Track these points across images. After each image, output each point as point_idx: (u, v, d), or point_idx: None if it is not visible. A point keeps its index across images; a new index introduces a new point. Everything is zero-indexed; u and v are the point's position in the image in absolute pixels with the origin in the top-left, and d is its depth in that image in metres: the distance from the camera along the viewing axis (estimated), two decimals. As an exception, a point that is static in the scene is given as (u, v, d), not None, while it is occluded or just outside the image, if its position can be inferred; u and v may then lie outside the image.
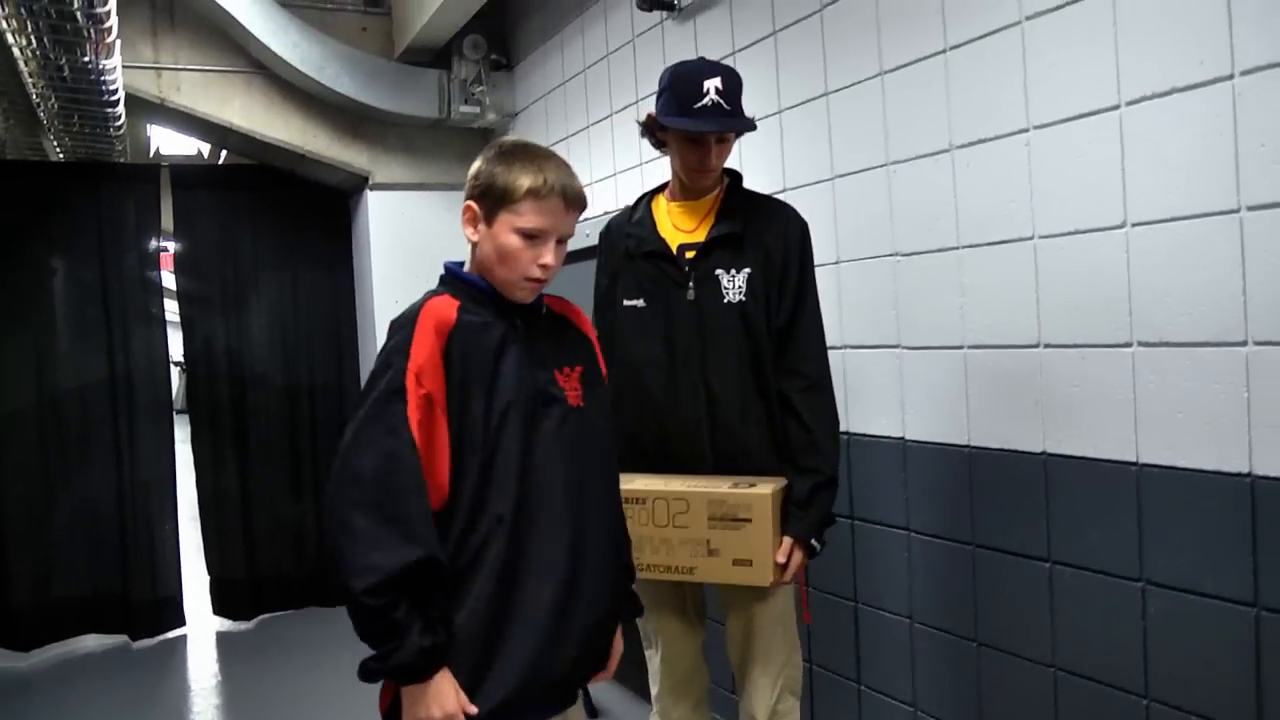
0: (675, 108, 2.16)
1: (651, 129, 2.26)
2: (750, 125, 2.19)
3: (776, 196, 2.44)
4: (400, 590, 1.50)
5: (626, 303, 2.29)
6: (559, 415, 1.70)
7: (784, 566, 2.10)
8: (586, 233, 3.55)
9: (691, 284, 2.21)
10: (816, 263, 2.26)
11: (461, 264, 1.77)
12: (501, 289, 1.71)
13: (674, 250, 2.24)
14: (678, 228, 2.26)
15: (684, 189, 2.27)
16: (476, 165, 1.72)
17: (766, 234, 2.20)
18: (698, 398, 2.20)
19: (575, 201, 1.71)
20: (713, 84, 2.12)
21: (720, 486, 2.09)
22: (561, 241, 1.71)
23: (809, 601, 2.36)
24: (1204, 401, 1.83)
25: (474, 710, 1.57)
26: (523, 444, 1.65)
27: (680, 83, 2.17)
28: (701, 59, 2.31)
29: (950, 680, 2.45)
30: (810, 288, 2.23)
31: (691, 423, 2.21)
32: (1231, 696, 1.80)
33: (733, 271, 2.19)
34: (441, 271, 1.78)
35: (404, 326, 1.63)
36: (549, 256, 1.68)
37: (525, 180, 1.65)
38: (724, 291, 2.19)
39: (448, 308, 1.65)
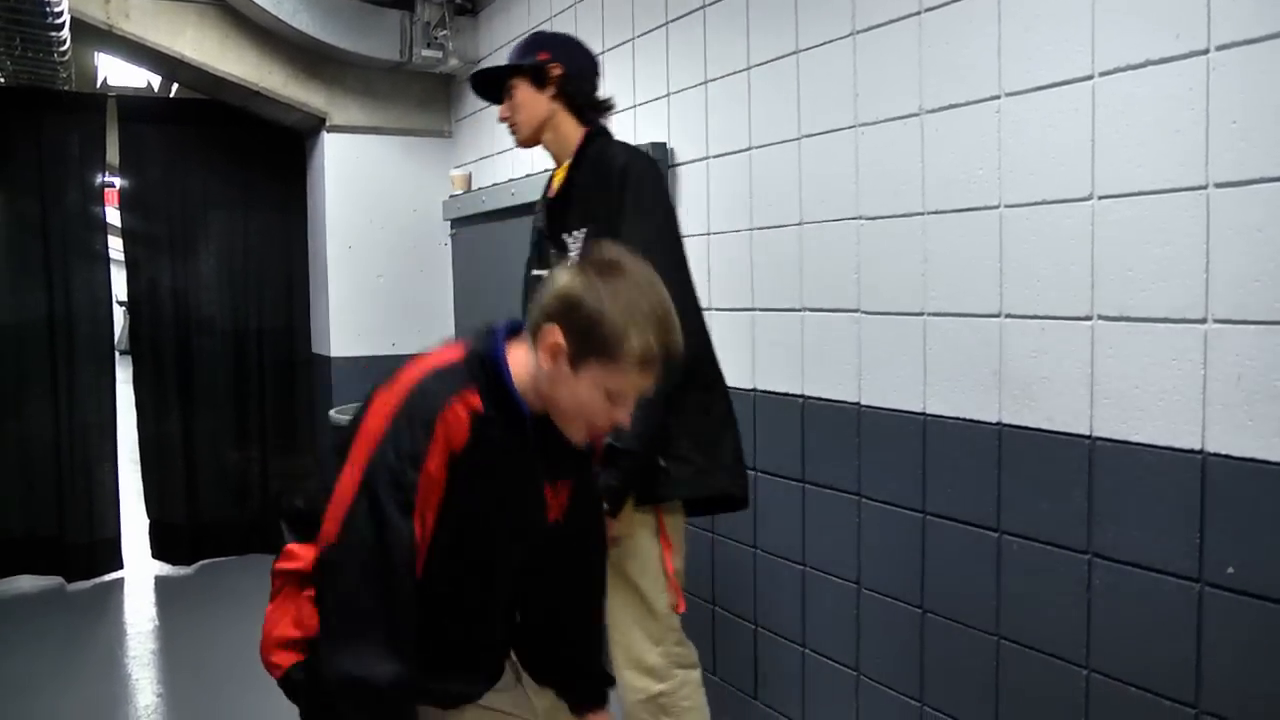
0: None
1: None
2: (505, 70, 2.18)
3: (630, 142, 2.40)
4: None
5: (534, 273, 2.26)
6: (532, 533, 1.68)
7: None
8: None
9: (554, 250, 2.16)
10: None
11: (515, 326, 1.55)
12: (553, 419, 1.53)
13: (546, 216, 2.21)
14: (549, 192, 2.24)
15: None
16: (576, 287, 1.43)
17: (592, 188, 2.07)
18: None
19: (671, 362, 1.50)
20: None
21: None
22: None
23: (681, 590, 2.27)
24: (1160, 377, 1.83)
25: None
26: (493, 555, 1.63)
27: None
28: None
29: (894, 646, 2.46)
30: (640, 236, 1.91)
31: None
32: (1171, 670, 1.82)
33: (575, 233, 2.10)
34: (485, 332, 1.55)
35: (420, 425, 1.43)
36: (624, 414, 1.49)
37: (636, 341, 1.41)
38: (570, 255, 2.10)
39: (465, 422, 1.45)
